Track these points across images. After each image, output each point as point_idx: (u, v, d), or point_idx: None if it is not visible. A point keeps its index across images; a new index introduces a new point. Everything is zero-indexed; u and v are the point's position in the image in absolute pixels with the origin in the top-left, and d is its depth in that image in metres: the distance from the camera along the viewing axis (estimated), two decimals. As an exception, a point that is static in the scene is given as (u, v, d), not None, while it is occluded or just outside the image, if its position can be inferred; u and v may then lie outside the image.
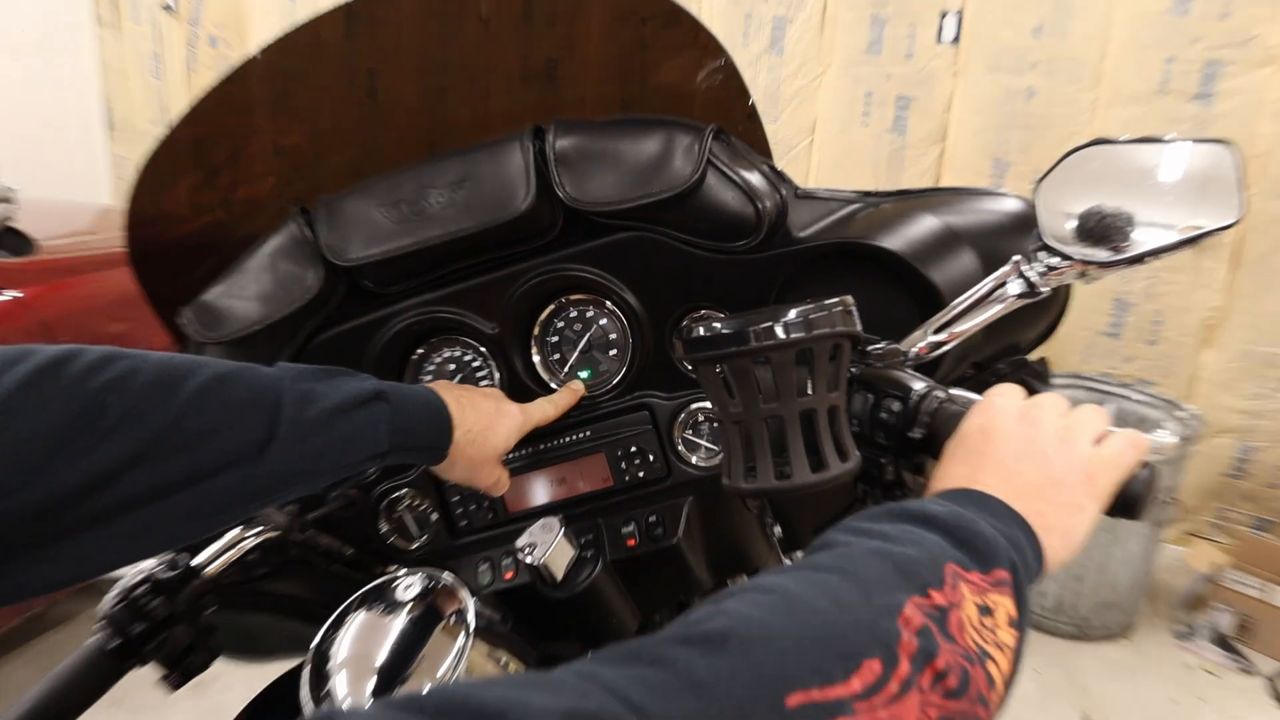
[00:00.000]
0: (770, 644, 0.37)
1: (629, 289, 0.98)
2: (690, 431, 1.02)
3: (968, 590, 0.44)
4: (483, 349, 1.04)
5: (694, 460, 1.02)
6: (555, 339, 1.04)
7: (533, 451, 1.03)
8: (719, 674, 0.35)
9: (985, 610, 0.43)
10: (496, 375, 1.04)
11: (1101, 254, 0.64)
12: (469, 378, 1.06)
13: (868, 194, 0.95)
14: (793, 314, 0.62)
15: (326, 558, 1.01)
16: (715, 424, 1.01)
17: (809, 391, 0.64)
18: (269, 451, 0.63)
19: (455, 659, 0.68)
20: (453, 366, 1.04)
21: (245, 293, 0.94)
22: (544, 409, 0.97)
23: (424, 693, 0.33)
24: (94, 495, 0.52)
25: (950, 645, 0.41)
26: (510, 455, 1.02)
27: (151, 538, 0.58)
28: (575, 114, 1.04)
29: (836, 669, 0.37)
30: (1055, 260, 0.66)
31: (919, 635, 0.40)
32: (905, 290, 0.87)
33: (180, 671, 0.77)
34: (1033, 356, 0.93)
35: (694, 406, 1.01)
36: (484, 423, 0.87)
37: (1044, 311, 0.91)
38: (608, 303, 1.01)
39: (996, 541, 0.46)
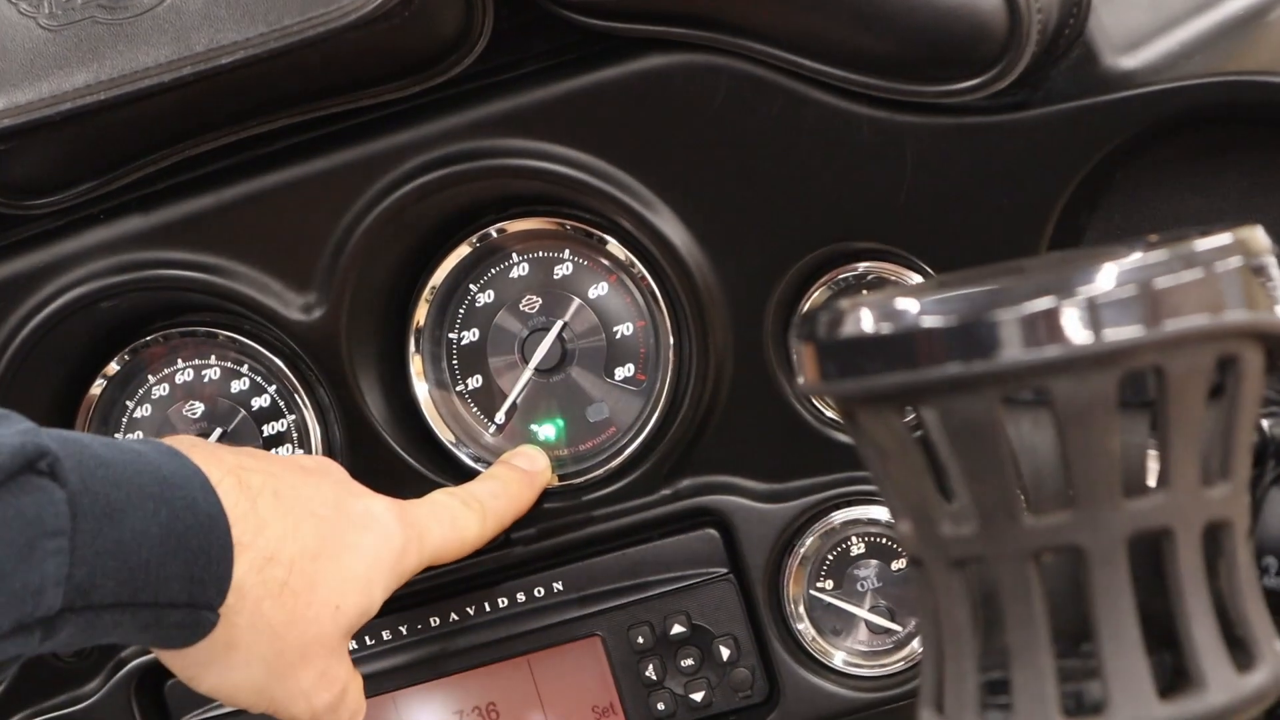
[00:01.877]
0: None
1: (668, 205, 1.01)
2: (831, 584, 1.04)
3: None
4: (278, 362, 1.07)
5: (839, 660, 1.04)
6: (472, 336, 1.07)
7: (411, 633, 1.05)
8: None
9: None
10: (315, 431, 1.08)
11: None
12: (244, 435, 1.06)
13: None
14: (1111, 275, 0.62)
15: None
16: (898, 565, 1.03)
17: (1150, 484, 0.65)
18: None
19: None
20: (198, 409, 1.06)
21: None
22: (455, 521, 0.99)
23: None
24: None
25: None
26: (361, 644, 1.01)
27: None
28: None
29: None
30: None
31: None
32: None
33: None
34: None
35: (841, 519, 1.04)
36: (313, 540, 0.90)
37: None
38: (610, 242, 1.05)
39: None
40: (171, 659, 0.90)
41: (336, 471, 0.96)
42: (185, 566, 0.81)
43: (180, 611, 0.82)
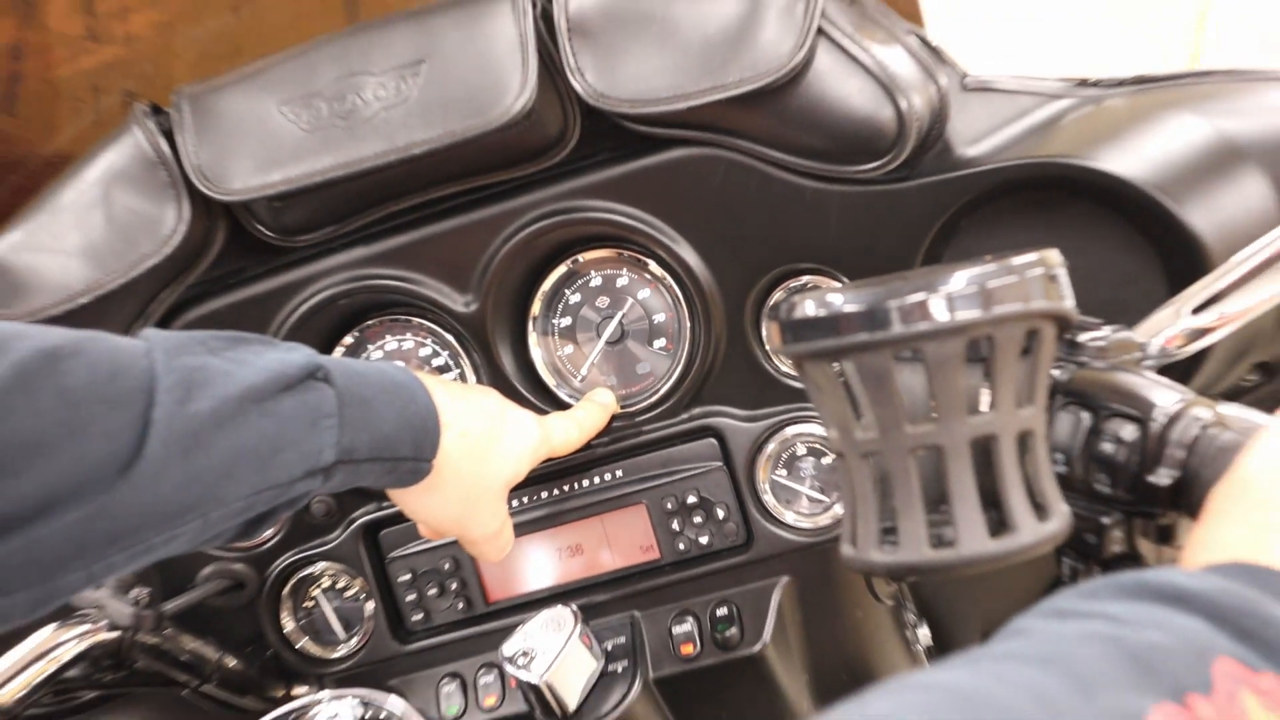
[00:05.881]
0: None
1: (686, 241, 1.01)
2: (784, 471, 1.06)
3: (1255, 702, 0.44)
4: (449, 337, 1.08)
5: (789, 518, 1.05)
6: (567, 322, 1.08)
7: (532, 502, 1.07)
8: None
9: None
10: (472, 379, 1.09)
11: None
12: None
13: (1085, 83, 0.99)
14: (961, 280, 0.61)
15: (193, 673, 1.03)
16: (826, 459, 1.05)
17: (985, 408, 0.65)
18: (135, 472, 0.65)
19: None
20: (402, 364, 1.08)
21: (60, 244, 0.98)
22: (566, 429, 1.02)
23: None
24: None
25: None
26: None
27: None
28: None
29: None
30: None
31: None
32: (1147, 244, 0.89)
33: None
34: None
35: (791, 431, 1.05)
36: (487, 427, 0.92)
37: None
38: (651, 264, 1.06)
39: None
40: (401, 497, 0.92)
41: (499, 396, 1.00)
42: (411, 436, 0.84)
43: (408, 463, 0.85)
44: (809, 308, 0.65)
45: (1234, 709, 0.44)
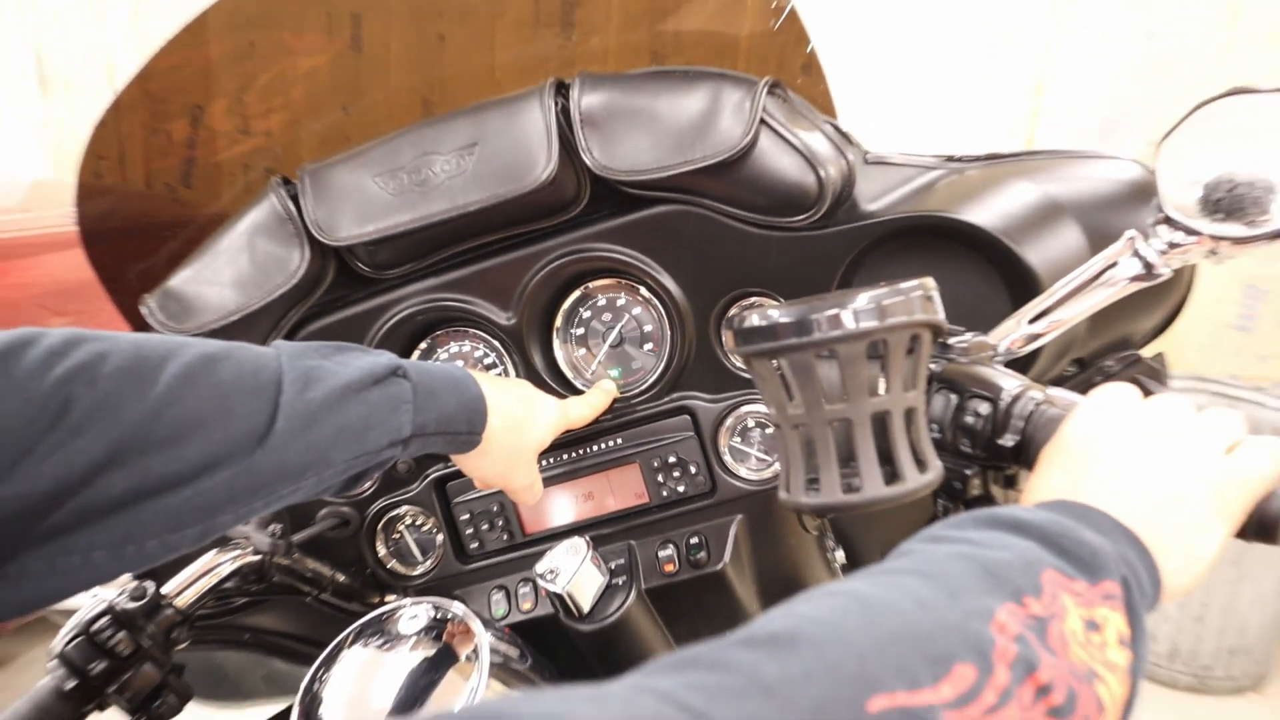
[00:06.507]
0: (846, 644, 0.39)
1: (666, 272, 1.00)
2: (738, 439, 1.05)
3: (1071, 601, 0.45)
4: (496, 342, 1.07)
5: (742, 472, 1.04)
6: (580, 331, 1.07)
7: (555, 462, 1.06)
8: (790, 675, 0.37)
9: (1092, 625, 0.45)
10: (512, 373, 1.08)
11: (1235, 229, 0.63)
12: (480, 375, 1.08)
13: (951, 158, 0.97)
14: (863, 300, 0.62)
15: (314, 586, 1.03)
16: (768, 429, 1.04)
17: (882, 391, 0.65)
18: (269, 442, 0.65)
19: (468, 701, 0.71)
20: (461, 364, 1.08)
21: (218, 277, 0.98)
22: (579, 408, 1.00)
23: (454, 713, 0.36)
24: (61, 505, 0.53)
25: (1053, 659, 0.42)
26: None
27: (130, 551, 0.59)
28: (596, 66, 1.03)
29: (923, 672, 0.38)
30: (1179, 236, 0.66)
31: (1017, 642, 0.42)
32: (996, 273, 0.89)
33: (147, 717, 0.80)
34: (1147, 352, 0.93)
35: (743, 410, 1.04)
36: (522, 409, 0.91)
37: (1162, 298, 0.92)
38: (641, 289, 1.04)
39: (1104, 551, 0.48)
40: (461, 459, 0.90)
41: (530, 385, 0.99)
42: (467, 416, 0.83)
43: (465, 436, 0.84)
44: (754, 320, 0.65)
45: (1056, 605, 0.45)
